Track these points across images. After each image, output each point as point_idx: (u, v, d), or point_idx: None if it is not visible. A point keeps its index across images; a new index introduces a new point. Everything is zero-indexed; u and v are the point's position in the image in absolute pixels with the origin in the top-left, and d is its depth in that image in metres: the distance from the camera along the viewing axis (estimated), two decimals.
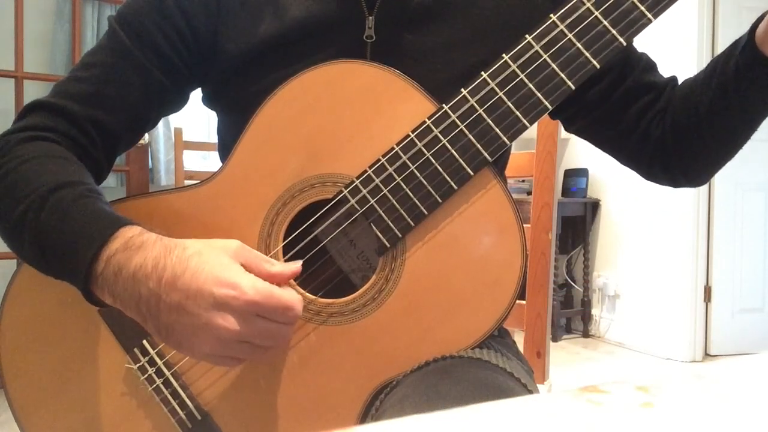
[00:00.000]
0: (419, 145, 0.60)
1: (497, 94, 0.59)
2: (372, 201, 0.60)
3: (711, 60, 0.69)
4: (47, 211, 0.56)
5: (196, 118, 3.16)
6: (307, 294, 0.62)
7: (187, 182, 1.83)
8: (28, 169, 0.60)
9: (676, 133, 0.71)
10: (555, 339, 3.41)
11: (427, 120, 0.60)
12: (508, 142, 0.60)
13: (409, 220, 0.60)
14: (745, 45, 0.63)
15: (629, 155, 0.77)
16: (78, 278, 0.54)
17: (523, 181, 3.00)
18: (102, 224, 0.55)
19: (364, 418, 0.62)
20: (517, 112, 0.59)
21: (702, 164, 0.73)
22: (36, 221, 0.56)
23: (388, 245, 0.61)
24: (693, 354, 3.03)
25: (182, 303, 0.52)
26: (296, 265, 0.58)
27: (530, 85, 0.59)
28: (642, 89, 0.73)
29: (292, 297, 0.54)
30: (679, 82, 0.75)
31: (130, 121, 0.69)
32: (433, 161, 0.60)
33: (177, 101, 0.74)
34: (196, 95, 0.76)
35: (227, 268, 0.53)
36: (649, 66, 0.74)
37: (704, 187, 3.00)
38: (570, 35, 0.59)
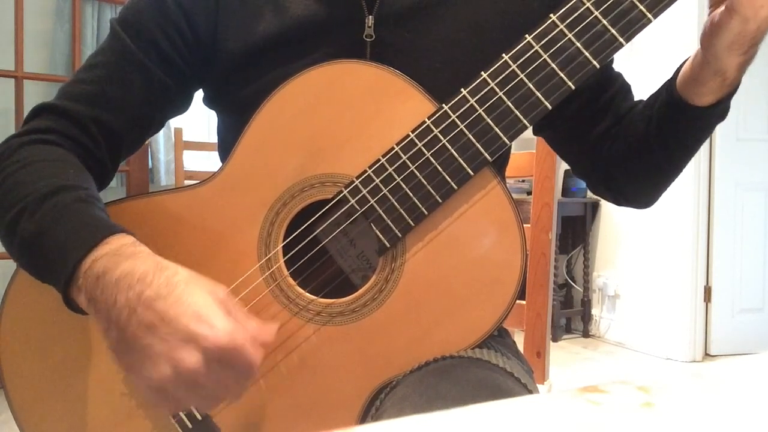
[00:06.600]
0: (419, 144, 0.60)
1: (497, 93, 0.59)
2: (372, 201, 0.60)
3: (653, 92, 0.71)
4: (42, 213, 0.56)
5: (196, 118, 3.15)
6: (308, 294, 0.62)
7: (187, 182, 1.82)
8: (27, 173, 0.60)
9: (616, 158, 0.73)
10: (555, 339, 3.41)
11: (426, 120, 0.60)
12: (508, 142, 0.60)
13: (409, 220, 0.60)
14: (668, 88, 0.66)
15: (583, 171, 0.80)
16: (60, 278, 0.54)
17: (523, 181, 3.00)
18: (94, 229, 0.55)
19: (364, 418, 0.62)
20: (517, 112, 0.59)
21: (639, 189, 0.76)
22: (29, 222, 0.56)
23: (389, 245, 0.61)
24: (693, 354, 3.02)
25: (155, 324, 0.49)
26: (272, 330, 0.53)
27: (530, 85, 0.59)
28: (608, 112, 0.74)
29: (257, 357, 0.50)
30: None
31: (134, 120, 0.69)
32: (433, 161, 0.60)
33: (180, 102, 0.74)
34: (197, 96, 0.76)
35: (209, 306, 0.50)
36: (623, 89, 0.76)
37: (704, 187, 3.00)
38: (570, 35, 0.59)
